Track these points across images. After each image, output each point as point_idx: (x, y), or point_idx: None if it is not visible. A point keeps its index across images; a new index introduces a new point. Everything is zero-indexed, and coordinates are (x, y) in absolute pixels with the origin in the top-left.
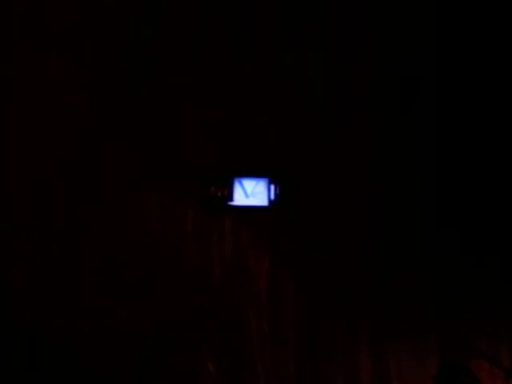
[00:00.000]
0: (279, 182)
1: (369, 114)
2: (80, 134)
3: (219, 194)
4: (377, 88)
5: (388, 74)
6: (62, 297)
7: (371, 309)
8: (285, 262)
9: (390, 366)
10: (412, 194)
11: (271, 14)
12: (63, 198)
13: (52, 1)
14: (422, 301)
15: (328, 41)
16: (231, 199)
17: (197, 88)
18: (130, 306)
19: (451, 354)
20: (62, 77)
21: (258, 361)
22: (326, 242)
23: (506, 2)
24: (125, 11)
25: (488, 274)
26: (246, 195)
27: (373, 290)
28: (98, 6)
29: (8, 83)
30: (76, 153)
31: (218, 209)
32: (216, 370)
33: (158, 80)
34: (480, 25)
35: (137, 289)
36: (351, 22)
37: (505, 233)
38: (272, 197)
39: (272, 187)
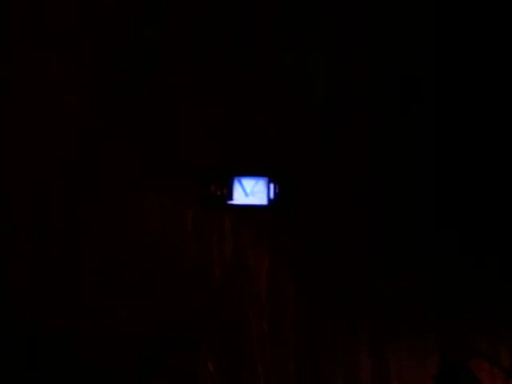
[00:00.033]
0: (279, 181)
1: (369, 114)
2: (80, 134)
3: (219, 193)
4: (377, 88)
5: (388, 74)
6: (61, 297)
7: (371, 309)
8: (285, 261)
9: (390, 366)
10: (412, 193)
11: (271, 13)
12: (63, 198)
13: (52, 1)
14: (422, 301)
15: (328, 41)
16: (231, 198)
17: (197, 88)
18: (129, 306)
19: (451, 353)
20: (61, 77)
21: (258, 361)
22: (325, 242)
23: (506, 2)
24: (125, 11)
25: (488, 274)
26: (246, 194)
27: (373, 290)
28: (98, 6)
29: (8, 83)
30: (76, 153)
31: (217, 208)
32: (216, 369)
33: (158, 80)
34: (480, 25)
35: (137, 289)
36: (351, 22)
37: (505, 233)
38: (271, 196)
39: (271, 186)
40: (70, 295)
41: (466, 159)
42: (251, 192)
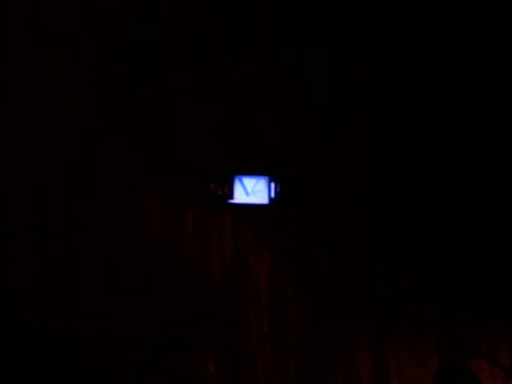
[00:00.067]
0: (279, 180)
1: (369, 114)
2: (80, 134)
3: (219, 191)
4: (377, 88)
5: (388, 74)
6: (61, 297)
7: (371, 309)
8: (285, 261)
9: (390, 366)
10: (412, 193)
11: (271, 13)
12: (63, 198)
13: (52, 1)
14: (422, 301)
15: (328, 41)
16: (231, 197)
17: (197, 88)
18: (130, 306)
19: (451, 353)
20: (62, 77)
21: (258, 361)
22: (325, 242)
23: (506, 2)
24: (125, 11)
25: (488, 274)
26: (247, 193)
27: (373, 290)
28: (98, 6)
29: (8, 83)
30: (76, 153)
31: (218, 207)
32: (216, 369)
33: (158, 80)
34: (480, 25)
35: (137, 289)
36: (351, 22)
37: (505, 233)
38: (272, 195)
39: (272, 185)
40: (70, 295)
41: (466, 159)
42: (252, 191)
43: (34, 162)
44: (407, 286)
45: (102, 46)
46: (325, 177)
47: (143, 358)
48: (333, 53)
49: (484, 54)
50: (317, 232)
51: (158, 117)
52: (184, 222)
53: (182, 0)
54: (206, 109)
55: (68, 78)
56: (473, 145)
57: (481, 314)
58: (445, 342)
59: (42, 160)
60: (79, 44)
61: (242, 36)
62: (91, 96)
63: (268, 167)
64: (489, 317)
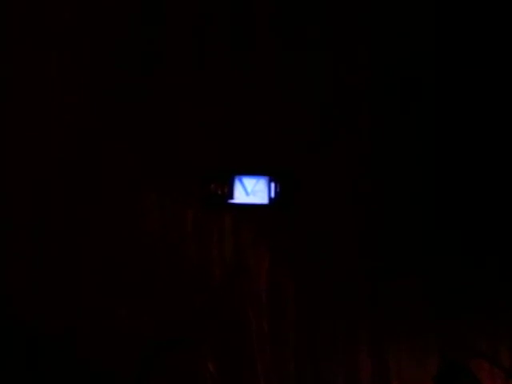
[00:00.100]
0: (280, 180)
1: (369, 114)
2: (80, 134)
3: (219, 191)
4: (377, 88)
5: (388, 74)
6: (62, 297)
7: (371, 309)
8: (285, 261)
9: (390, 366)
10: (412, 193)
11: (271, 13)
12: (63, 198)
13: (52, 1)
14: (422, 301)
15: (328, 41)
16: (231, 197)
17: (197, 88)
18: (130, 306)
19: (451, 353)
20: (62, 77)
21: (258, 361)
22: (325, 242)
23: (506, 2)
24: (125, 11)
25: (488, 274)
26: (247, 193)
27: (373, 290)
28: (98, 5)
29: (8, 83)
30: (76, 153)
31: (218, 206)
32: (216, 370)
33: (158, 80)
34: (480, 25)
35: (137, 289)
36: (351, 22)
37: (505, 233)
38: (272, 195)
39: (272, 185)
40: (70, 295)
41: (466, 159)
42: (252, 191)
43: (34, 162)
44: (407, 286)
45: (101, 46)
46: (325, 177)
47: (143, 357)
48: (333, 53)
49: (484, 54)
50: (317, 232)
51: (158, 117)
52: (184, 222)
53: (182, 0)
54: (206, 109)
55: (68, 78)
56: (473, 145)
57: (481, 314)
58: (445, 342)
59: (41, 160)
60: (79, 44)
61: (242, 36)
62: (91, 96)
63: (268, 167)
64: (489, 317)
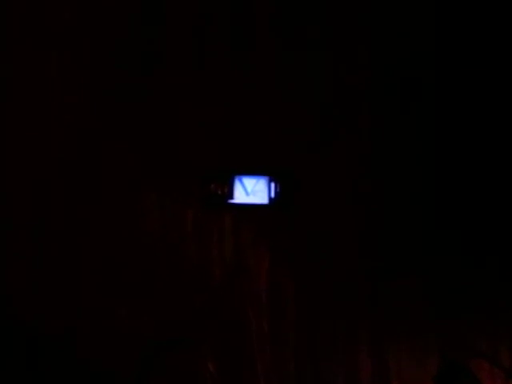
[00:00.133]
0: (280, 180)
1: (369, 114)
2: (80, 134)
3: (219, 191)
4: (377, 88)
5: (388, 74)
6: (62, 297)
7: (371, 309)
8: (285, 261)
9: (390, 366)
10: (412, 193)
11: (271, 13)
12: (63, 198)
13: (52, 1)
14: (422, 301)
15: (328, 41)
16: (231, 197)
17: (197, 88)
18: (130, 306)
19: (451, 353)
20: (62, 77)
21: (258, 361)
22: (325, 242)
23: (506, 2)
24: (125, 11)
25: (488, 274)
26: (247, 193)
27: (373, 290)
28: (98, 6)
29: (8, 83)
30: (76, 153)
31: (218, 206)
32: (216, 369)
33: (158, 80)
34: (480, 25)
35: (137, 289)
36: (351, 22)
37: (505, 233)
38: (272, 195)
39: (272, 185)
40: (70, 295)
41: (466, 159)
42: (252, 191)
43: (34, 162)
44: (407, 286)
45: (102, 46)
46: (325, 177)
47: (143, 357)
48: (333, 53)
49: (484, 54)
50: (317, 232)
51: (158, 117)
52: (184, 222)
53: (182, 0)
54: (206, 109)
55: (68, 78)
56: (473, 145)
57: (481, 314)
58: (445, 342)
59: (42, 160)
60: (79, 44)
61: (242, 36)
62: (91, 96)
63: (268, 167)
64: (489, 317)
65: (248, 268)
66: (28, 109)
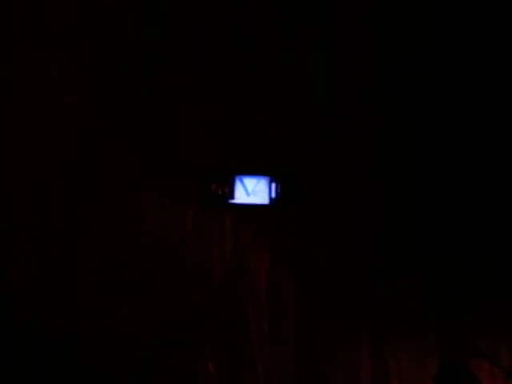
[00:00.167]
0: (280, 181)
1: (369, 114)
2: (80, 134)
3: (220, 191)
4: (377, 88)
5: (388, 74)
6: (62, 297)
7: (371, 309)
8: (285, 261)
9: (390, 366)
10: (412, 193)
11: (271, 13)
12: (63, 198)
13: (52, 1)
14: (422, 301)
15: (328, 41)
16: (232, 197)
17: (197, 88)
18: (130, 306)
19: (451, 353)
20: (62, 77)
21: (258, 361)
22: (325, 242)
23: (506, 2)
24: (125, 11)
25: (488, 274)
26: (247, 193)
27: (373, 290)
28: (98, 5)
29: (8, 83)
30: (76, 153)
31: (218, 207)
32: (216, 370)
33: (158, 80)
34: (480, 25)
35: (137, 289)
36: (351, 22)
37: (505, 233)
38: (273, 195)
39: (273, 185)
40: (70, 295)
41: (466, 159)
42: (253, 191)
43: (34, 162)
44: (407, 286)
45: (102, 46)
46: (325, 177)
47: (143, 358)
48: (333, 53)
49: (484, 54)
50: (317, 232)
51: (158, 117)
52: (184, 222)
53: (182, 0)
54: (206, 109)
55: (68, 78)
56: (473, 145)
57: (481, 314)
58: (445, 342)
59: (42, 160)
60: (79, 44)
61: (242, 36)
62: (91, 96)
63: (268, 167)
64: (489, 317)
65: (248, 268)
66: (28, 109)
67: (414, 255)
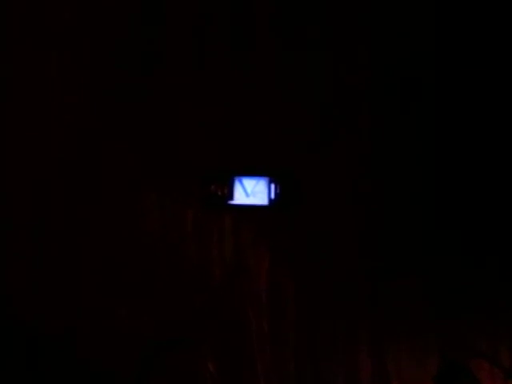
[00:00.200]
0: (280, 182)
1: (369, 114)
2: (80, 134)
3: (219, 192)
4: (377, 88)
5: (388, 74)
6: (62, 297)
7: (371, 309)
8: (285, 261)
9: (390, 366)
10: (412, 193)
11: (271, 13)
12: (63, 198)
13: (52, 1)
14: (422, 301)
15: (328, 41)
16: (231, 198)
17: (197, 88)
18: (130, 306)
19: (451, 353)
20: (62, 77)
21: (258, 361)
22: (326, 242)
23: (506, 2)
24: (125, 11)
25: (488, 274)
26: (247, 194)
27: (373, 290)
28: (98, 5)
29: (8, 83)
30: (76, 153)
31: (218, 207)
32: (216, 370)
33: (158, 80)
34: (480, 25)
35: (137, 289)
36: (351, 22)
37: (505, 233)
38: (272, 196)
39: (272, 186)
40: (70, 295)
41: (466, 159)
42: (252, 192)
43: (34, 162)
44: (407, 286)
45: (102, 46)
46: (325, 177)
47: (143, 357)
48: (333, 53)
49: (484, 54)
50: (317, 232)
51: (158, 117)
52: (184, 222)
53: (182, 0)
54: (206, 109)
55: (68, 78)
56: (473, 145)
57: (481, 314)
58: (445, 342)
59: (42, 160)
60: (79, 44)
61: (242, 36)
62: (91, 96)
63: (268, 168)
64: (489, 317)
65: (248, 268)
66: (28, 109)
67: (414, 255)
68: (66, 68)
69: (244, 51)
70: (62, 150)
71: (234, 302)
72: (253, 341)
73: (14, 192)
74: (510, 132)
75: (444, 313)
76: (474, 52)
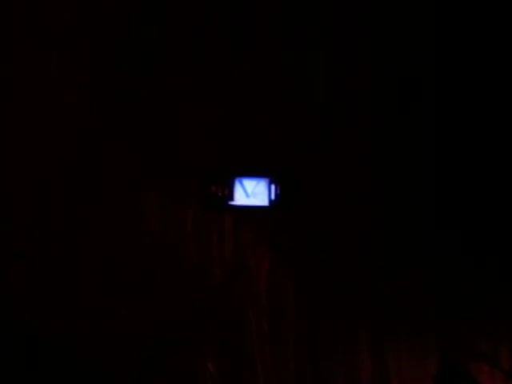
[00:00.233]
0: (280, 182)
1: (369, 114)
2: (80, 134)
3: (220, 193)
4: (377, 88)
5: (388, 74)
6: (62, 297)
7: (371, 309)
8: (285, 261)
9: (390, 366)
10: (412, 193)
11: (271, 13)
12: (63, 198)
13: (52, 1)
14: (422, 301)
15: (328, 41)
16: (232, 199)
17: (197, 88)
18: (130, 306)
19: (451, 354)
20: (62, 77)
21: (258, 361)
22: (326, 242)
23: (506, 2)
24: (125, 11)
25: (488, 274)
26: (247, 195)
27: (373, 290)
28: (98, 5)
29: (8, 83)
30: (76, 153)
31: (218, 208)
32: (216, 370)
33: (158, 80)
34: (480, 25)
35: (137, 289)
36: (351, 22)
37: (505, 233)
38: (272, 197)
39: (272, 187)
40: (70, 295)
41: (465, 159)
42: (252, 193)
43: (34, 162)
44: (407, 286)
45: (102, 46)
46: (325, 177)
47: (143, 357)
48: (333, 53)
49: (484, 54)
50: (317, 232)
51: (158, 117)
52: (184, 222)
53: (182, 0)
54: (206, 109)
55: (68, 78)
56: (473, 145)
57: (481, 314)
58: (445, 342)
59: (42, 160)
60: (79, 44)
61: (242, 36)
62: (91, 96)
63: (268, 168)
64: (489, 317)
65: (248, 268)
66: (28, 109)
67: (414, 255)
68: (66, 68)
69: (244, 51)
70: (62, 150)
71: (234, 301)
72: (253, 341)
73: (14, 192)
74: (510, 132)
75: (444, 313)
76: (474, 52)
